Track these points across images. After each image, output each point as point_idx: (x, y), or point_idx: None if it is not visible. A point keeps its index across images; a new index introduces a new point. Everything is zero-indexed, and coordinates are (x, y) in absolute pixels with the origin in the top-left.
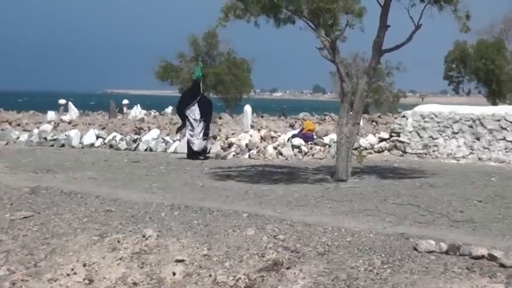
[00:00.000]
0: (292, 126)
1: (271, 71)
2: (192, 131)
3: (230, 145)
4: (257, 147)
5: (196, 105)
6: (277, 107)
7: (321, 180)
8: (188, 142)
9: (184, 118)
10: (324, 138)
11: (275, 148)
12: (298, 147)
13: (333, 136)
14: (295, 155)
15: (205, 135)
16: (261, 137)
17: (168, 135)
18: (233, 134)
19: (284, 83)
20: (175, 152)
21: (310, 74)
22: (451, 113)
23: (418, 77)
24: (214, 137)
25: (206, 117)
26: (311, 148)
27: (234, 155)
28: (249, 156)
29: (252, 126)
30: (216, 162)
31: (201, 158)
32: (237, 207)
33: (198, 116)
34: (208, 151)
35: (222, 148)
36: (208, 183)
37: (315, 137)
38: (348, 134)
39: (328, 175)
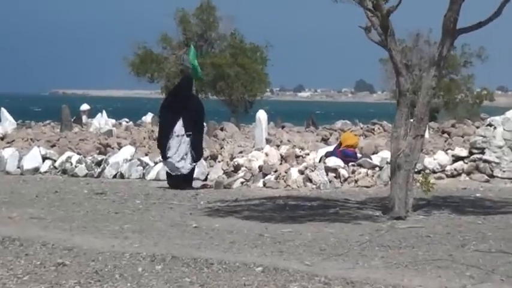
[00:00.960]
0: (325, 141)
1: (296, 62)
2: (169, 151)
3: (237, 168)
4: (276, 172)
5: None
6: (305, 113)
7: (368, 217)
8: (168, 167)
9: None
10: (372, 157)
11: (301, 172)
12: (335, 170)
13: (386, 154)
14: (330, 181)
15: (196, 156)
16: (282, 157)
17: (147, 154)
18: (241, 152)
19: (314, 79)
20: (157, 179)
21: (352, 66)
22: None
23: (510, 69)
24: (214, 158)
25: (195, 129)
26: (353, 172)
27: (242, 183)
28: (264, 185)
29: (268, 141)
30: (217, 193)
31: (189, 188)
32: (248, 257)
33: (179, 129)
34: (204, 178)
35: (225, 173)
36: (206, 224)
37: (358, 155)
38: (407, 151)
39: (379, 210)
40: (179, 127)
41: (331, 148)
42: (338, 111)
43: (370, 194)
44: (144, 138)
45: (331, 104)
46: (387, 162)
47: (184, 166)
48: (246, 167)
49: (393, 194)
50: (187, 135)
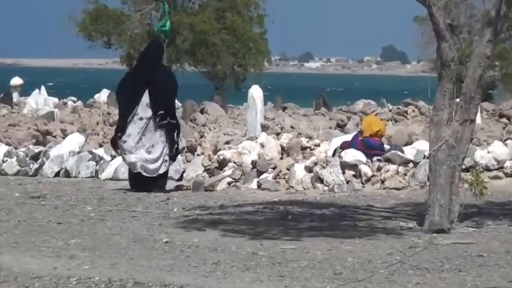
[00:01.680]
0: (342, 127)
1: (302, 22)
2: (128, 138)
3: (222, 164)
4: (274, 169)
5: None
6: (313, 90)
7: (398, 230)
8: (126, 162)
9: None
10: (404, 149)
11: (309, 170)
12: (355, 167)
13: (423, 145)
14: (347, 182)
15: (171, 148)
16: (283, 149)
17: (101, 145)
18: (228, 143)
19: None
20: (115, 179)
21: (377, 27)
22: None
23: None
24: (192, 150)
25: (166, 109)
26: (379, 169)
27: (229, 184)
28: (259, 186)
29: (264, 128)
30: (195, 198)
31: (158, 190)
32: (237, 284)
33: (143, 111)
34: (179, 177)
35: (206, 170)
36: (181, 238)
37: (385, 146)
38: (451, 141)
39: (414, 220)
40: (143, 108)
41: (349, 137)
42: (359, 88)
43: (402, 199)
44: (98, 123)
45: (350, 77)
46: (425, 157)
47: (156, 164)
48: (234, 162)
49: (432, 198)
50: (157, 120)
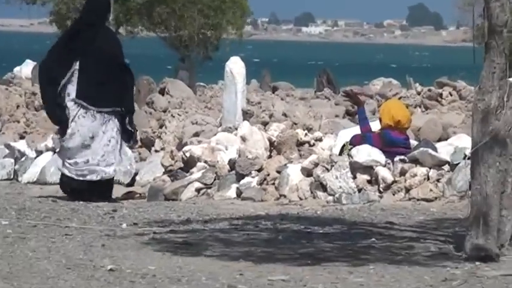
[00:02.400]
0: (352, 116)
1: None
2: (66, 127)
3: (189, 164)
4: (260, 171)
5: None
6: (315, 65)
7: (429, 256)
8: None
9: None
10: (437, 146)
11: (308, 173)
12: (369, 169)
13: (464, 141)
14: (360, 190)
15: (127, 137)
16: (272, 144)
17: (23, 137)
18: (197, 134)
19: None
20: (42, 183)
21: None
22: None
23: None
24: (148, 145)
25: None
26: (403, 173)
27: (199, 191)
28: (239, 194)
29: (247, 115)
30: (152, 209)
31: (101, 198)
32: None
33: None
34: (129, 180)
35: (167, 172)
36: (130, 265)
37: (412, 142)
38: (502, 135)
39: (450, 243)
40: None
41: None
42: (375, 62)
43: (433, 214)
44: (19, 106)
45: (364, 48)
46: (466, 157)
47: (107, 166)
48: (206, 161)
49: (476, 214)
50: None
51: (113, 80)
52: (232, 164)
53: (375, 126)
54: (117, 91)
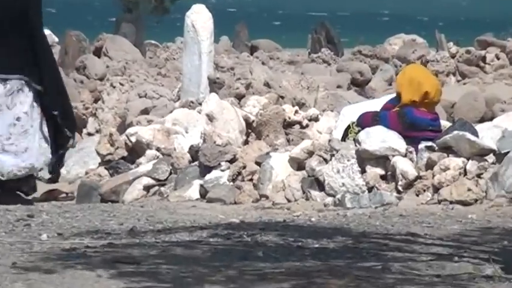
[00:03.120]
0: (360, 86)
1: None
2: None
3: (135, 152)
4: (233, 161)
5: None
6: (309, 17)
7: (468, 279)
8: None
9: None
10: (477, 129)
11: (299, 165)
12: (384, 160)
13: None
14: (370, 188)
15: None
16: (249, 125)
17: None
18: (146, 112)
19: None
20: None
21: None
22: None
23: None
24: (78, 126)
25: (23, 49)
26: (430, 166)
27: (148, 190)
28: (204, 194)
29: (216, 86)
30: (84, 215)
31: (13, 198)
32: None
33: None
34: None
35: (105, 163)
36: None
37: (442, 123)
38: None
39: (495, 262)
40: None
41: (374, 106)
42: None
43: (473, 222)
44: None
45: None
46: None
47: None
48: (158, 149)
49: None
50: (25, 81)
51: (14, 39)
52: (194, 152)
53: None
54: (19, 55)
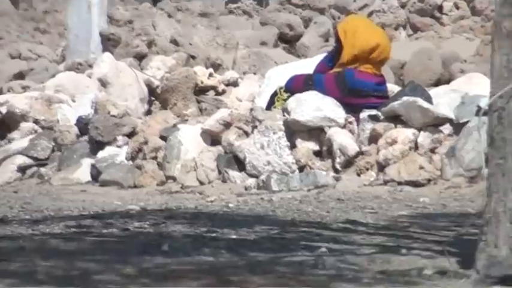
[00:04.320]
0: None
1: None
2: None
3: (4, 125)
4: (132, 136)
5: None
6: None
7: (416, 277)
8: None
9: None
10: (431, 94)
11: (213, 139)
12: (319, 133)
13: (476, 86)
14: (301, 168)
15: None
16: (153, 93)
17: None
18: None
19: None
20: None
21: None
22: None
23: None
24: None
25: None
26: (374, 139)
27: (25, 170)
28: (96, 177)
29: (111, 43)
30: None
31: None
32: None
33: None
34: None
35: None
36: None
37: (390, 88)
38: None
39: (451, 254)
40: None
41: (307, 66)
42: None
43: (426, 206)
44: None
45: None
46: (480, 110)
47: None
48: (37, 121)
49: (495, 208)
50: None
51: None
52: (83, 125)
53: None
54: None
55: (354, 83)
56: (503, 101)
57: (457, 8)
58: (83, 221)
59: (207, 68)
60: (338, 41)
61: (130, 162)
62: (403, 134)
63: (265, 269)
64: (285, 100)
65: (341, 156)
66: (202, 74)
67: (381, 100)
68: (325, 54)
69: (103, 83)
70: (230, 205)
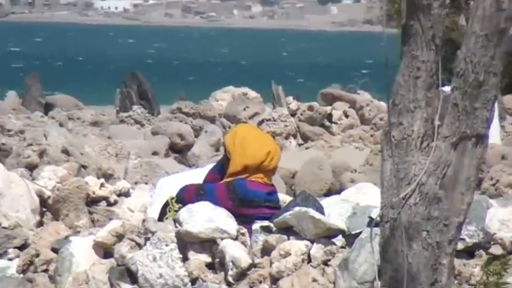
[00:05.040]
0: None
1: None
2: None
3: None
4: (22, 248)
5: None
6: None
7: None
8: None
9: None
10: (322, 204)
11: (106, 252)
12: (212, 245)
13: (367, 195)
14: (192, 281)
15: None
16: (44, 202)
17: None
18: None
19: None
20: None
21: None
22: None
23: None
24: None
25: None
26: (265, 252)
27: None
28: None
29: (1, 153)
30: None
31: None
32: None
33: None
34: None
35: None
36: None
37: (281, 198)
38: (431, 184)
39: None
40: None
41: (198, 175)
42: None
43: None
44: None
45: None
46: (372, 222)
47: None
48: None
49: None
50: None
51: None
52: None
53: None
54: None
55: (246, 193)
56: (395, 212)
57: (346, 116)
58: None
59: (98, 178)
60: (226, 151)
61: (22, 275)
62: (296, 246)
63: None
64: (177, 211)
65: (233, 268)
66: (93, 185)
67: (273, 210)
68: (213, 164)
69: None
70: None
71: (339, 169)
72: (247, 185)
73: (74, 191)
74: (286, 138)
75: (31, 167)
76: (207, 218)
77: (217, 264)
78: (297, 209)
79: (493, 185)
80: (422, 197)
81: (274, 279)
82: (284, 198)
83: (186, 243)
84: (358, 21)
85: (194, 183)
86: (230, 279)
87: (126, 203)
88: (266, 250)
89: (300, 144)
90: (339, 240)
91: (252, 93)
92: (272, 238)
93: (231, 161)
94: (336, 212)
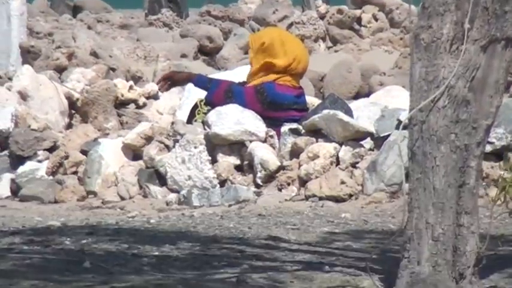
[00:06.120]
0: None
1: None
2: None
3: None
4: (52, 150)
5: None
6: None
7: None
8: None
9: None
10: (351, 107)
11: (135, 154)
12: (239, 147)
13: (396, 99)
14: (222, 183)
15: None
16: (73, 105)
17: None
18: None
19: None
20: None
21: None
22: None
23: None
24: None
25: None
26: (295, 153)
27: None
28: (16, 191)
29: (30, 55)
30: None
31: None
32: None
33: None
34: None
35: None
36: None
37: (309, 101)
38: (460, 87)
39: (374, 271)
40: None
41: (228, 78)
42: None
43: (347, 222)
44: None
45: None
46: (400, 124)
47: None
48: None
49: (416, 223)
50: None
51: None
52: (3, 139)
53: (242, 73)
54: None
55: (274, 96)
56: (423, 115)
57: (376, 19)
58: (2, 238)
59: (127, 80)
60: (250, 48)
61: (51, 177)
62: (325, 149)
63: (189, 286)
64: (206, 113)
65: (262, 170)
66: (122, 87)
67: (301, 113)
68: (247, 67)
69: (23, 96)
70: (151, 221)
71: (367, 72)
72: (276, 88)
73: (103, 93)
74: (315, 41)
75: (60, 69)
76: (235, 120)
77: (245, 167)
78: (325, 111)
79: None
80: (451, 100)
81: (303, 182)
82: (313, 100)
83: (215, 145)
84: None
85: (224, 83)
86: (259, 181)
87: (155, 106)
88: (294, 152)
89: (329, 47)
90: (367, 143)
91: None
92: (301, 140)
93: (253, 60)
94: (364, 114)
